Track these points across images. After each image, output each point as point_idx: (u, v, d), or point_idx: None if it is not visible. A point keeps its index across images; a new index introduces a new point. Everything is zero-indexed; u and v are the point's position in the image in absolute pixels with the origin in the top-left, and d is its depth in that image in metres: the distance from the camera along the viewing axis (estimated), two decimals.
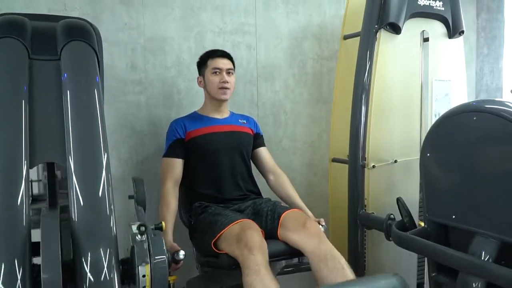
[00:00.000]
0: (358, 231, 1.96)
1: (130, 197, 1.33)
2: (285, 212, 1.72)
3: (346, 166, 2.02)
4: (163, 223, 1.23)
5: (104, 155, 1.05)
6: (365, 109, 1.92)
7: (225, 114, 1.98)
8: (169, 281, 1.44)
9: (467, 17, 3.00)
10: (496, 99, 1.40)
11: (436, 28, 2.06)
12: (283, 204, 1.87)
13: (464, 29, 2.12)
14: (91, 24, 1.30)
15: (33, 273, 0.93)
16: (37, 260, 0.95)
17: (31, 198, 1.11)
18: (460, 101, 2.14)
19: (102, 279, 0.94)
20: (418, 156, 1.47)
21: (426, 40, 2.05)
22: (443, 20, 2.05)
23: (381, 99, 1.93)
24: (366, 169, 1.92)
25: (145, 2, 2.07)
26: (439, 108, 2.07)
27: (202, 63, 1.93)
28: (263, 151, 2.03)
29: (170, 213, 1.73)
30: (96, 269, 0.95)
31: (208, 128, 1.89)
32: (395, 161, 1.97)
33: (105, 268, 0.95)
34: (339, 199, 2.13)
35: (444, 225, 1.40)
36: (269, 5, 2.35)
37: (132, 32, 2.05)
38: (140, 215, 1.28)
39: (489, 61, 3.21)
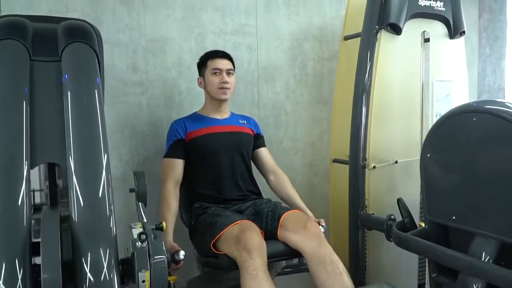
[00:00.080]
0: (359, 231, 1.96)
1: (131, 190, 1.33)
2: (286, 213, 1.72)
3: (347, 166, 2.02)
4: (164, 224, 1.23)
5: (104, 155, 1.06)
6: (365, 110, 1.92)
7: (226, 115, 1.99)
8: (169, 281, 1.45)
9: (469, 18, 3.00)
10: (497, 99, 1.40)
11: (437, 29, 2.06)
12: (283, 204, 1.88)
13: (465, 29, 2.12)
14: (91, 26, 1.31)
15: (34, 273, 0.93)
16: (38, 260, 0.96)
17: (33, 208, 1.12)
18: (461, 101, 2.13)
19: (102, 279, 0.95)
20: (419, 157, 1.47)
21: (427, 40, 2.05)
22: (444, 21, 2.06)
23: (382, 99, 1.93)
24: (366, 169, 1.92)
25: (146, 3, 2.08)
26: (440, 108, 2.07)
27: (202, 63, 1.94)
28: (263, 152, 2.03)
29: (171, 213, 1.73)
30: (96, 269, 0.95)
31: (209, 128, 1.90)
32: (396, 162, 1.97)
33: (105, 268, 0.96)
34: (340, 200, 2.13)
35: (445, 226, 1.40)
36: (270, 6, 2.36)
37: (133, 33, 2.06)
38: (140, 213, 1.28)
39: (491, 61, 3.21)
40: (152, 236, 1.10)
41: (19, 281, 0.89)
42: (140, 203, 1.32)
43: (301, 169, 2.50)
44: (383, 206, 1.92)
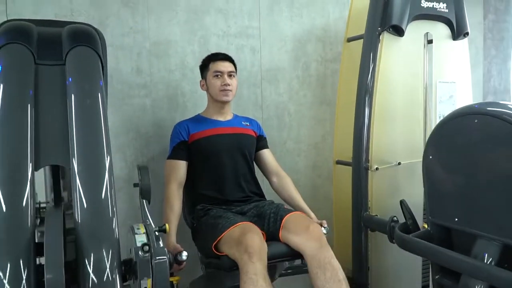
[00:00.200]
0: (362, 233, 1.96)
1: (135, 185, 1.35)
2: (288, 215, 1.72)
3: (350, 168, 2.02)
4: (167, 226, 1.24)
5: (107, 157, 1.07)
6: (368, 111, 1.92)
7: (228, 116, 2.00)
8: (172, 281, 1.46)
9: (474, 19, 2.99)
10: (500, 101, 1.39)
11: (440, 30, 2.06)
12: (286, 206, 1.88)
13: (469, 30, 2.11)
14: (95, 29, 1.32)
15: (38, 273, 0.95)
16: (43, 261, 0.97)
17: (39, 220, 1.14)
18: (465, 103, 2.13)
19: (104, 279, 0.96)
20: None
21: (430, 42, 2.05)
22: (447, 22, 2.05)
23: (385, 101, 1.93)
24: (369, 171, 1.92)
25: (149, 7, 2.10)
26: (443, 110, 2.07)
27: (204, 66, 1.95)
28: (266, 153, 2.04)
29: (174, 214, 1.74)
30: (99, 269, 0.96)
31: (211, 130, 1.91)
32: (399, 163, 1.97)
33: (108, 269, 0.97)
34: (343, 201, 2.14)
35: (447, 228, 1.40)
36: (273, 8, 2.37)
37: (137, 36, 2.08)
38: (144, 212, 1.28)
39: (496, 62, 3.19)
40: (155, 238, 1.11)
41: (24, 281, 0.90)
42: (144, 201, 1.33)
43: (304, 171, 2.50)
44: (386, 207, 1.92)
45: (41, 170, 1.25)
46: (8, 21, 1.28)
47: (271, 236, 1.70)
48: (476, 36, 3.04)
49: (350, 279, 2.03)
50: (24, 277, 0.91)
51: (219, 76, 1.89)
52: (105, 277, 0.96)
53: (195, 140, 1.89)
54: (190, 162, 1.89)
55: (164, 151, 2.01)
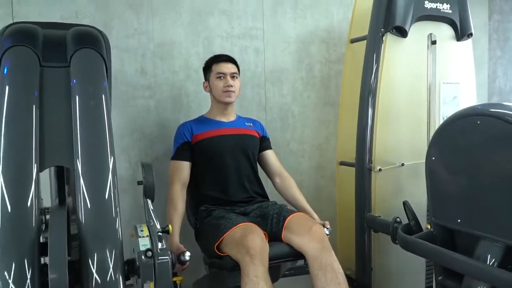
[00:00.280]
0: (365, 234, 1.96)
1: (139, 182, 1.35)
2: (291, 215, 1.73)
3: (354, 169, 2.02)
4: (170, 227, 1.25)
5: (111, 158, 1.08)
6: (371, 112, 1.92)
7: (232, 117, 2.01)
8: (175, 281, 1.47)
9: (479, 19, 2.97)
10: (503, 103, 1.39)
11: (444, 31, 2.06)
12: (289, 207, 1.89)
13: (473, 31, 2.10)
14: (100, 32, 1.33)
15: (42, 272, 0.96)
16: (47, 260, 0.98)
17: (44, 226, 1.15)
18: (469, 104, 2.12)
19: (107, 279, 0.97)
20: None
21: (433, 43, 2.05)
22: (451, 23, 2.05)
23: (388, 102, 1.93)
24: (372, 172, 1.92)
25: (154, 9, 2.11)
26: (447, 110, 2.06)
27: (207, 68, 1.97)
28: (269, 154, 2.05)
29: (178, 215, 1.76)
30: (102, 269, 0.97)
31: (215, 131, 1.92)
32: (403, 164, 1.96)
33: (111, 269, 0.98)
34: (347, 202, 2.14)
35: (450, 229, 1.40)
36: (277, 9, 2.38)
37: (141, 38, 2.09)
38: (148, 212, 1.29)
39: (502, 63, 3.17)
40: (158, 239, 1.12)
41: (28, 280, 0.92)
42: (147, 200, 1.34)
43: (308, 171, 2.51)
44: (390, 208, 1.92)
45: (47, 174, 1.27)
46: (14, 23, 1.29)
47: (274, 236, 1.70)
48: (481, 37, 3.02)
49: (353, 280, 2.04)
50: (28, 277, 0.92)
51: (222, 77, 1.90)
52: (108, 277, 0.97)
53: (199, 141, 1.90)
54: (193, 162, 1.90)
55: (169, 151, 2.02)
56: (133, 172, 2.11)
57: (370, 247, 1.97)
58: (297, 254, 1.65)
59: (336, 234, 2.23)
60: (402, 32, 1.91)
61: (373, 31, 1.94)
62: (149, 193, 1.31)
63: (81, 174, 1.04)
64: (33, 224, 0.97)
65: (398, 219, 1.71)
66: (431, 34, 2.03)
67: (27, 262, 0.93)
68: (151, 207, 1.30)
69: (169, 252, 1.10)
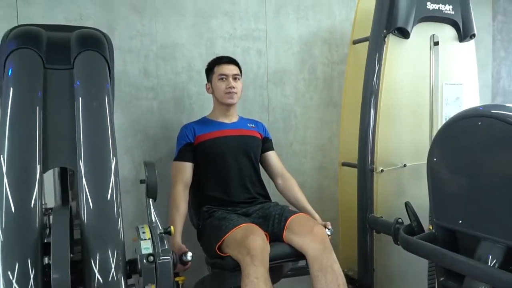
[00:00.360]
0: (367, 234, 1.96)
1: (142, 181, 1.36)
2: (293, 216, 1.74)
3: (356, 170, 2.03)
4: (172, 228, 1.26)
5: (113, 159, 1.09)
6: (373, 113, 1.93)
7: (234, 119, 2.02)
8: (178, 281, 1.48)
9: (483, 20, 2.97)
10: (505, 104, 1.39)
11: (446, 32, 2.05)
12: (291, 208, 1.89)
13: (476, 32, 2.10)
14: (103, 34, 1.35)
15: (45, 272, 0.97)
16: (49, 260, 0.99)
17: (48, 230, 1.16)
18: (472, 104, 2.11)
19: (109, 279, 0.98)
20: None
21: (436, 44, 2.04)
22: (453, 24, 2.04)
23: (390, 102, 1.93)
24: (374, 173, 1.92)
25: (157, 11, 2.12)
26: (450, 111, 2.06)
27: (210, 70, 1.98)
28: (271, 155, 2.05)
29: (180, 215, 1.77)
30: (104, 269, 0.98)
31: (217, 132, 1.93)
32: (405, 165, 1.97)
33: (113, 269, 0.99)
34: (349, 202, 2.14)
35: (452, 230, 1.40)
36: (279, 11, 2.38)
37: (144, 40, 2.11)
38: (150, 212, 1.30)
39: (506, 64, 3.16)
40: (159, 240, 1.13)
41: (31, 280, 0.93)
42: (150, 200, 1.34)
43: (310, 172, 2.51)
44: (392, 209, 1.92)
45: (50, 176, 1.28)
46: (18, 26, 1.31)
47: (275, 237, 1.71)
48: (485, 38, 3.01)
49: (355, 280, 2.04)
50: (31, 277, 0.93)
51: (224, 79, 1.91)
52: (110, 277, 0.98)
53: (201, 142, 1.91)
54: (196, 163, 1.91)
55: (172, 152, 2.03)
56: (136, 173, 2.12)
57: (372, 248, 1.97)
58: (298, 255, 1.66)
59: (338, 235, 2.23)
60: (404, 33, 1.91)
61: (375, 32, 1.94)
62: (151, 192, 1.31)
63: (84, 175, 1.05)
64: (37, 225, 0.98)
65: (400, 220, 1.71)
66: (433, 35, 2.03)
67: (30, 262, 0.94)
68: (153, 207, 1.31)
69: (170, 253, 1.11)
